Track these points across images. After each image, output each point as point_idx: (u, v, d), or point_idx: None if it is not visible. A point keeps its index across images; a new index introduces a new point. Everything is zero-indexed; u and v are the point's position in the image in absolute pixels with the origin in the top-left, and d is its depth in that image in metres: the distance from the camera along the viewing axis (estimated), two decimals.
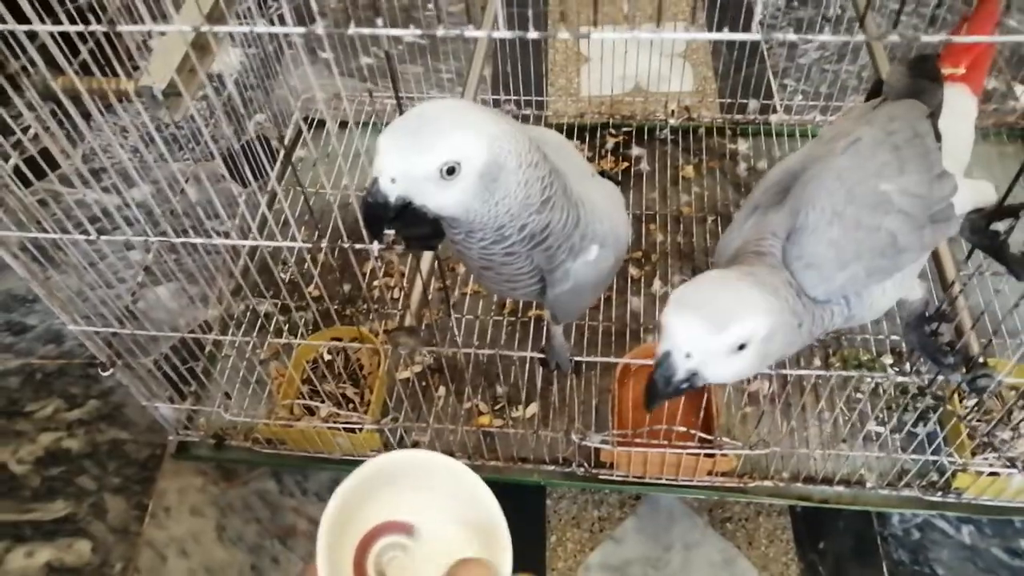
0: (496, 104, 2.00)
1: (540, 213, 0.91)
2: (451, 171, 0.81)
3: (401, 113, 0.98)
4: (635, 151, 1.88)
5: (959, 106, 1.01)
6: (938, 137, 0.94)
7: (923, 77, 0.97)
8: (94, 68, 1.16)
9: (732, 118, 1.93)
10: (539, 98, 1.99)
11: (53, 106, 1.05)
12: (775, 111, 1.92)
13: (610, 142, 1.90)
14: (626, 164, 1.85)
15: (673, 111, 1.95)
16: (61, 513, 1.57)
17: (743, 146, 1.89)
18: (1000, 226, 0.98)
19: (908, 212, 0.89)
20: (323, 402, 1.40)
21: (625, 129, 1.92)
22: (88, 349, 1.79)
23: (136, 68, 1.20)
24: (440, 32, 0.69)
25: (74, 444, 1.66)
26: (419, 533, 0.68)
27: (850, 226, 0.87)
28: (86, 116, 1.06)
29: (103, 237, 1.05)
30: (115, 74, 1.16)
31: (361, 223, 0.84)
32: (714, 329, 0.72)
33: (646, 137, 1.92)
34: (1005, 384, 1.06)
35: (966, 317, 1.01)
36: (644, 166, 1.85)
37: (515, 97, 1.98)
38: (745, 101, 1.93)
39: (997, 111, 1.91)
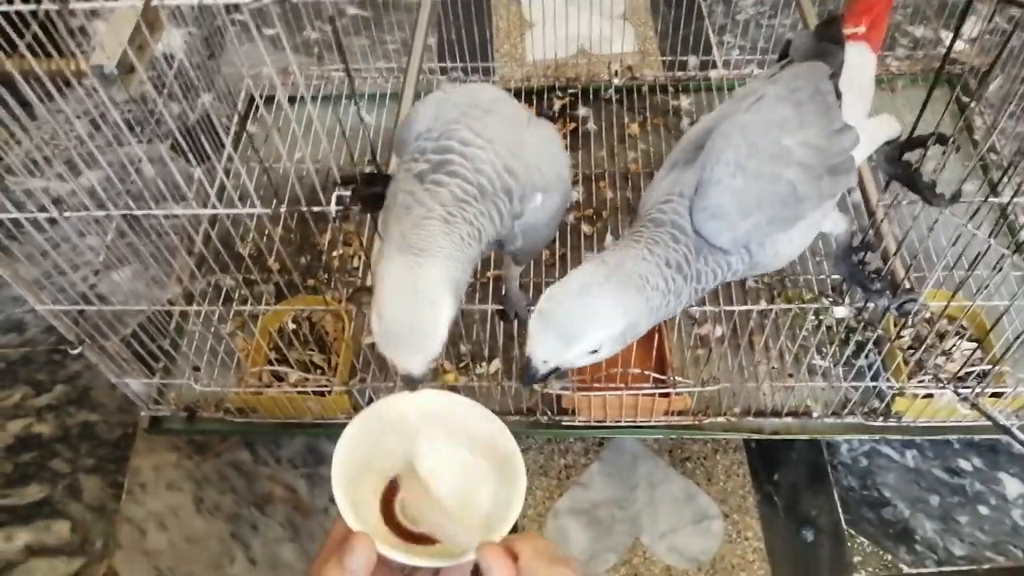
0: (443, 72, 2.03)
1: (482, 244, 0.99)
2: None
3: (353, 86, 1.01)
4: (581, 112, 1.93)
5: (860, 62, 1.07)
6: (839, 95, 1.00)
7: (827, 40, 1.03)
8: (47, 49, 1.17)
9: (674, 75, 1.98)
10: (485, 64, 2.02)
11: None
12: (715, 66, 1.98)
13: (557, 104, 1.95)
14: (573, 125, 1.90)
15: (617, 71, 1.99)
16: (37, 497, 1.58)
17: (685, 102, 1.94)
18: (911, 156, 1.05)
19: (807, 164, 0.95)
20: (291, 368, 1.43)
21: (571, 91, 1.97)
22: (52, 336, 1.80)
23: (82, 49, 1.21)
24: None
25: (44, 429, 1.67)
26: (434, 475, 0.71)
27: (752, 177, 0.93)
28: (24, 104, 1.07)
29: (66, 213, 1.06)
30: (62, 55, 1.17)
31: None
32: (565, 344, 0.82)
33: (591, 98, 1.96)
34: (933, 309, 1.14)
35: (891, 244, 1.08)
36: (591, 126, 1.90)
37: (461, 64, 2.01)
38: (685, 58, 1.98)
39: (926, 57, 2.00)
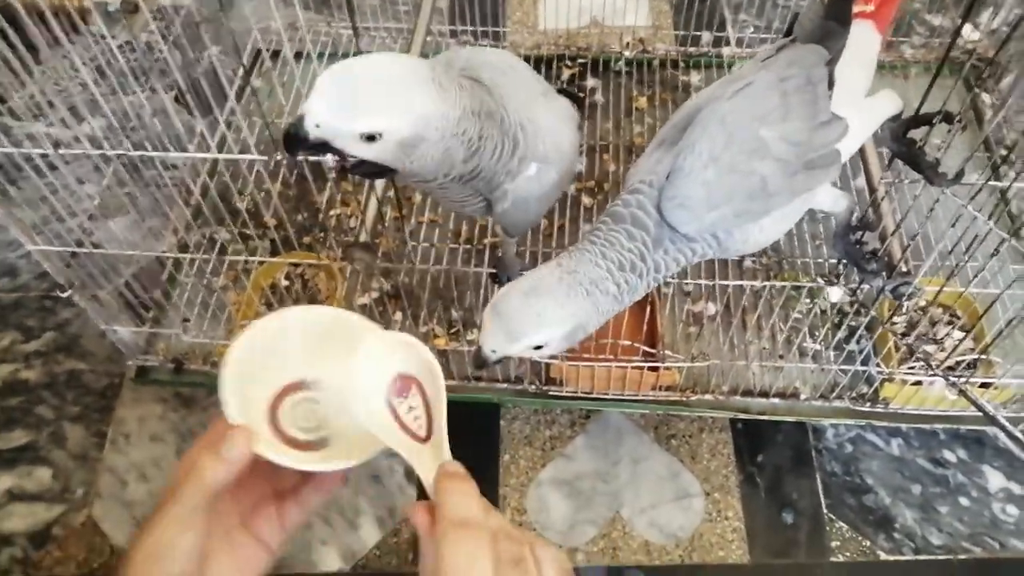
0: (453, 35, 2.00)
1: (466, 163, 0.97)
2: (371, 138, 0.87)
3: (358, 41, 1.00)
4: (590, 82, 1.90)
5: (863, 42, 1.06)
6: (832, 84, 0.99)
7: (834, 18, 1.01)
8: None
9: (686, 51, 1.96)
10: (496, 29, 2.00)
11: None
12: (728, 44, 1.95)
13: (566, 73, 1.92)
14: (581, 95, 1.87)
15: (628, 43, 1.97)
16: (20, 442, 1.58)
17: (695, 78, 1.92)
18: (916, 134, 1.03)
19: (783, 158, 0.95)
20: None
21: (581, 61, 1.94)
22: (44, 282, 1.80)
23: None
24: None
25: (31, 375, 1.67)
26: (324, 385, 0.73)
27: (724, 170, 0.93)
28: (30, 47, 1.06)
29: (61, 150, 1.05)
30: None
31: (280, 141, 0.89)
32: (510, 340, 0.89)
33: (601, 69, 1.94)
34: (927, 294, 1.13)
35: (890, 224, 1.07)
36: (599, 97, 1.88)
37: (472, 28, 1.98)
38: (699, 34, 1.96)
39: (942, 46, 1.96)
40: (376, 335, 0.71)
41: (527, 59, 1.90)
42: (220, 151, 1.65)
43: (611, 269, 0.93)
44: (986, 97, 1.78)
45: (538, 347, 0.93)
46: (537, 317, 0.89)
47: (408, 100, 0.87)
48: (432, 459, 0.66)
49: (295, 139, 0.86)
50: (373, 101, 0.85)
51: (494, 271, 1.38)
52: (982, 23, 1.85)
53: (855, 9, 1.03)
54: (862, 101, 1.04)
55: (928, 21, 2.10)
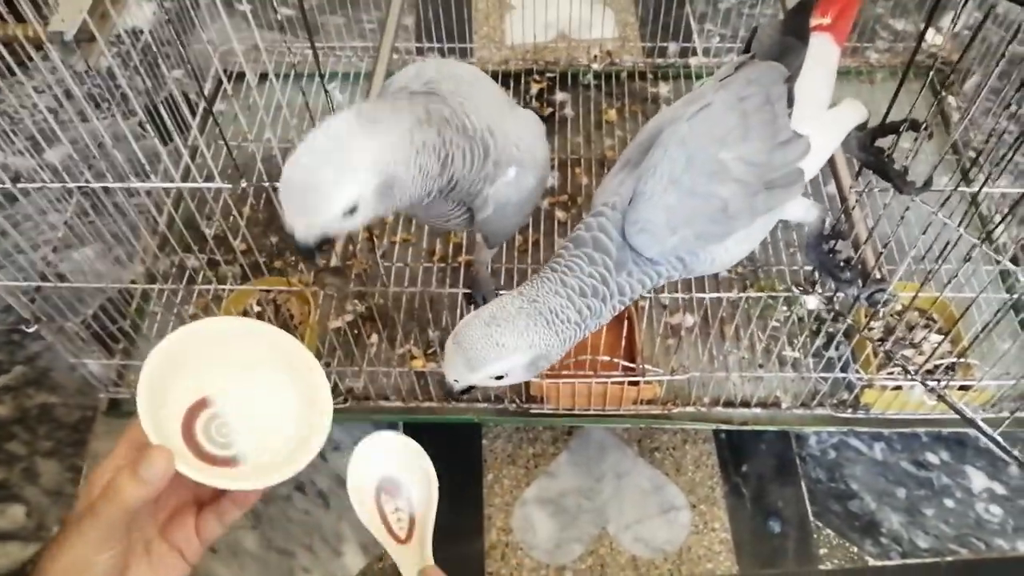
0: (419, 52, 1.99)
1: (441, 176, 0.96)
2: (352, 210, 0.87)
3: (318, 63, 0.99)
4: (559, 96, 1.90)
5: (822, 55, 1.05)
6: (791, 101, 0.99)
7: (792, 34, 1.01)
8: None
9: (653, 62, 1.96)
10: (463, 45, 1.99)
11: None
12: (695, 54, 1.96)
13: (534, 88, 1.92)
14: (551, 110, 1.87)
15: (596, 56, 1.97)
16: None
17: (664, 89, 1.92)
18: (884, 143, 1.04)
19: (743, 180, 0.94)
20: None
21: (549, 75, 1.94)
22: (10, 316, 1.76)
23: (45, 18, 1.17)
24: None
25: (2, 410, 1.63)
26: (238, 398, 0.73)
27: (685, 193, 0.93)
28: None
29: (20, 184, 1.03)
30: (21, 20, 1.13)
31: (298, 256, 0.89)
32: (470, 370, 0.90)
33: (570, 83, 1.94)
34: (902, 300, 1.13)
35: (862, 232, 1.07)
36: (568, 111, 1.88)
37: (438, 45, 1.97)
38: (665, 45, 1.96)
39: (906, 51, 1.98)
40: (381, 435, 0.76)
41: (495, 74, 1.93)
42: (185, 179, 1.63)
43: (571, 296, 0.92)
44: (952, 100, 1.80)
45: (499, 377, 0.93)
46: (497, 347, 0.89)
47: (365, 156, 0.86)
48: (413, 558, 0.69)
49: (307, 251, 0.89)
50: (323, 184, 0.85)
51: (469, 291, 1.37)
52: (944, 27, 1.87)
53: (812, 23, 1.03)
54: (825, 115, 1.04)
55: (891, 26, 2.12)
